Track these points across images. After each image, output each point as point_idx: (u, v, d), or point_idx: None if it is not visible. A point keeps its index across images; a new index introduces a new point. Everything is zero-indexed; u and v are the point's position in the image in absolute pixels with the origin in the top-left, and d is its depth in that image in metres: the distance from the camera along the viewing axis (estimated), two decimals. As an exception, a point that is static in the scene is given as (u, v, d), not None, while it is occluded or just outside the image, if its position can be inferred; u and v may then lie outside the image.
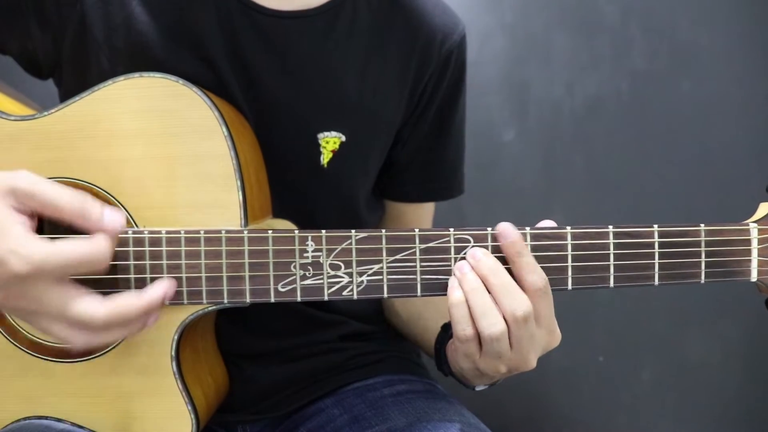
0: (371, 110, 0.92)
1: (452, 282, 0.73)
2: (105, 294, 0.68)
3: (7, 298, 0.66)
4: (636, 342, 1.55)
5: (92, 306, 0.66)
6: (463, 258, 0.74)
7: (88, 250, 0.65)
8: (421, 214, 1.06)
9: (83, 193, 0.68)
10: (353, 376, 0.96)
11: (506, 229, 0.73)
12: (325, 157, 0.90)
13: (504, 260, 0.74)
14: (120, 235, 0.75)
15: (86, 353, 0.78)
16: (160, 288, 0.71)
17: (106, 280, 0.72)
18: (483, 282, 0.72)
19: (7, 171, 0.67)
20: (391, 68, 0.93)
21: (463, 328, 0.72)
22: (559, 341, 0.77)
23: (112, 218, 0.68)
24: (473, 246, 0.74)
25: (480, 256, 0.73)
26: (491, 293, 0.72)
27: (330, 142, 0.89)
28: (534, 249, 0.74)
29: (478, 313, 0.71)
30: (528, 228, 0.75)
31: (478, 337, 0.73)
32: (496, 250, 0.74)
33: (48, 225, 0.75)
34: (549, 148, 1.50)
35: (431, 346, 0.90)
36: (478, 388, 0.85)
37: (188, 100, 0.76)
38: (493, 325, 0.71)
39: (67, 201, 0.66)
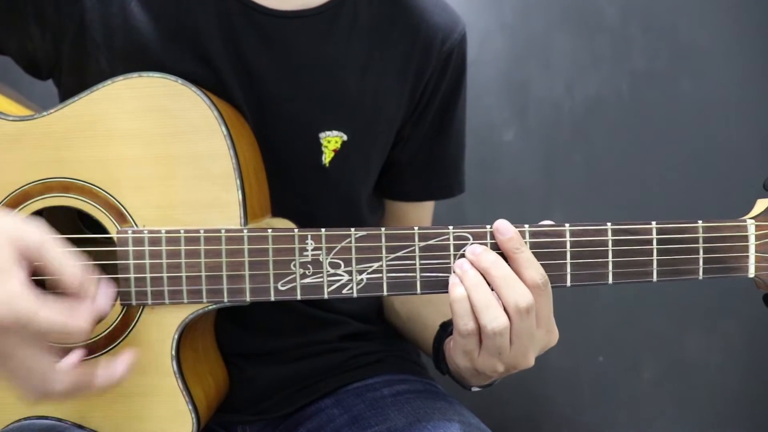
0: (372, 109, 0.92)
1: (453, 279, 0.73)
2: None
3: None
4: (636, 342, 1.54)
5: (55, 376, 0.67)
6: (462, 256, 0.75)
7: (70, 323, 0.66)
8: (421, 212, 1.07)
9: (86, 264, 0.69)
10: (353, 376, 0.96)
11: (503, 226, 0.74)
12: (327, 157, 0.90)
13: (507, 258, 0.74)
14: (119, 235, 0.76)
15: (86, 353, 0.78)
16: (123, 363, 0.71)
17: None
18: (484, 276, 0.73)
19: (18, 220, 0.68)
20: (391, 67, 0.93)
21: (465, 323, 0.73)
22: (557, 341, 0.77)
23: (104, 299, 0.70)
24: (473, 243, 0.75)
25: (480, 251, 0.74)
26: (493, 287, 0.72)
27: (332, 141, 0.89)
28: (533, 246, 0.75)
29: (480, 307, 0.72)
30: (527, 225, 0.75)
31: (479, 333, 0.73)
32: (496, 248, 0.74)
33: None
34: (549, 148, 1.50)
35: (430, 345, 0.90)
36: (474, 389, 0.86)
37: (187, 100, 0.77)
38: (495, 318, 0.71)
39: (69, 269, 0.67)
